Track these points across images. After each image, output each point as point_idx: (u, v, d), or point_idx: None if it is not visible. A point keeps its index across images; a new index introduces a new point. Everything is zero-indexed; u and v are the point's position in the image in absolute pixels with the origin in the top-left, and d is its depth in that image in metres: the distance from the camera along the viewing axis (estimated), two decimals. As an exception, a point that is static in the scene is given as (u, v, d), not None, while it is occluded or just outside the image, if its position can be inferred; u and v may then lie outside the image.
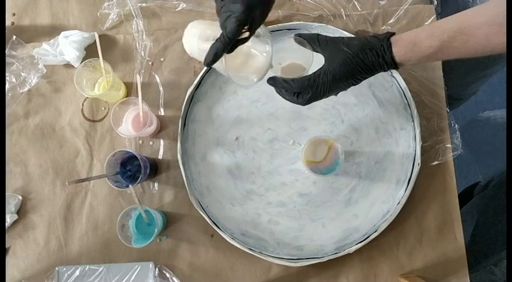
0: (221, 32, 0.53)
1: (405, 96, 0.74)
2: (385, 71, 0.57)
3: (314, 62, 0.62)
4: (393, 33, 0.56)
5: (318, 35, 0.59)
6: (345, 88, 0.59)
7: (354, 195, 0.74)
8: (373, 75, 0.58)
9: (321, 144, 0.71)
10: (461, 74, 0.98)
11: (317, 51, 0.60)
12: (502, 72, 0.97)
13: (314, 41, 0.59)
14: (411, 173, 0.72)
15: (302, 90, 0.58)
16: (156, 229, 0.69)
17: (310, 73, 0.58)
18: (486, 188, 0.95)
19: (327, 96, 0.60)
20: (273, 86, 0.61)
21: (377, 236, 0.70)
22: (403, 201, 0.71)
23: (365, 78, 0.58)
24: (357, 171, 0.74)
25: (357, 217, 0.73)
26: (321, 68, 0.58)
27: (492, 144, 0.91)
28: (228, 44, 0.52)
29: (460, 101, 1.16)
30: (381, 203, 0.73)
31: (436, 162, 0.73)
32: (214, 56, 0.53)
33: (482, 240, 0.86)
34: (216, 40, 0.53)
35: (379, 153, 0.75)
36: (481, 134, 0.93)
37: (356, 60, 0.56)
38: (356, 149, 0.75)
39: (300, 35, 0.60)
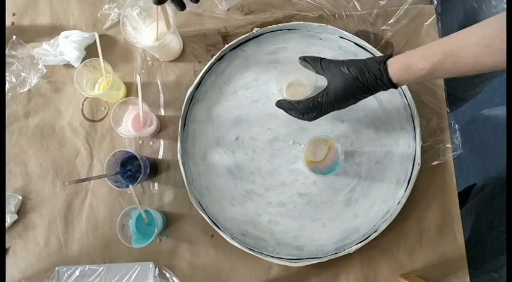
0: None
1: (405, 96, 0.74)
2: (384, 90, 0.61)
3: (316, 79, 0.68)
4: (390, 56, 0.59)
5: (321, 58, 0.64)
6: (346, 106, 0.64)
7: (354, 195, 0.74)
8: (373, 94, 0.62)
9: (321, 144, 0.71)
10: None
11: (320, 74, 0.64)
12: (504, 74, 0.97)
13: (317, 64, 0.63)
14: (411, 173, 0.72)
15: (307, 111, 0.64)
16: (156, 229, 0.69)
17: (314, 93, 0.63)
18: (481, 191, 0.95)
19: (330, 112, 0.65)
20: (280, 108, 0.68)
21: (377, 236, 0.70)
22: (403, 201, 0.71)
23: (365, 98, 0.62)
24: (357, 171, 0.74)
25: (357, 217, 0.73)
26: (324, 89, 0.62)
27: (491, 144, 0.91)
28: None
29: (465, 101, 1.16)
30: (381, 203, 0.73)
31: (436, 162, 0.73)
32: None
33: (479, 245, 0.85)
34: None
35: (379, 153, 0.75)
36: (480, 134, 0.93)
37: (356, 82, 0.60)
38: (356, 149, 0.75)
39: (304, 59, 0.65)
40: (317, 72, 0.64)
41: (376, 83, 0.59)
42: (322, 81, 0.64)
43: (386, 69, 0.58)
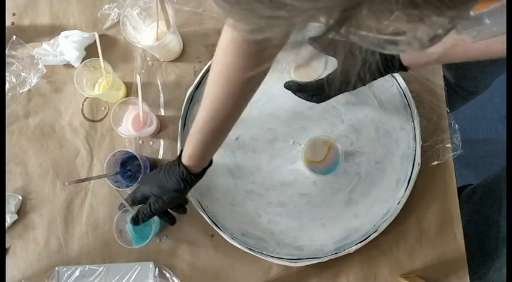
0: None
1: (405, 96, 0.74)
2: (395, 72, 0.61)
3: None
4: None
5: (330, 39, 0.61)
6: (355, 88, 0.63)
7: (354, 195, 0.74)
8: (382, 76, 0.62)
9: (321, 144, 0.71)
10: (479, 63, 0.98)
11: (329, 55, 0.62)
12: (503, 74, 0.97)
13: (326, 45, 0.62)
14: (411, 173, 0.72)
15: (317, 92, 0.64)
16: (152, 229, 0.68)
17: (323, 76, 0.63)
18: (471, 196, 0.94)
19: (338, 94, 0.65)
20: (288, 89, 0.66)
21: (377, 236, 0.70)
22: (403, 201, 0.71)
23: (375, 80, 0.63)
24: (357, 171, 0.74)
25: (357, 217, 0.73)
26: (334, 71, 0.63)
27: (493, 159, 0.90)
28: (151, 215, 0.64)
29: (475, 95, 1.15)
30: (380, 203, 0.73)
31: (436, 162, 0.73)
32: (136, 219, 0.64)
33: (476, 253, 0.84)
34: (143, 208, 0.63)
35: (379, 153, 0.75)
36: (486, 158, 0.93)
37: (366, 64, 0.58)
38: (356, 149, 0.75)
39: (314, 40, 0.63)
40: (326, 53, 0.64)
41: (387, 65, 0.59)
42: (330, 65, 0.64)
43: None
